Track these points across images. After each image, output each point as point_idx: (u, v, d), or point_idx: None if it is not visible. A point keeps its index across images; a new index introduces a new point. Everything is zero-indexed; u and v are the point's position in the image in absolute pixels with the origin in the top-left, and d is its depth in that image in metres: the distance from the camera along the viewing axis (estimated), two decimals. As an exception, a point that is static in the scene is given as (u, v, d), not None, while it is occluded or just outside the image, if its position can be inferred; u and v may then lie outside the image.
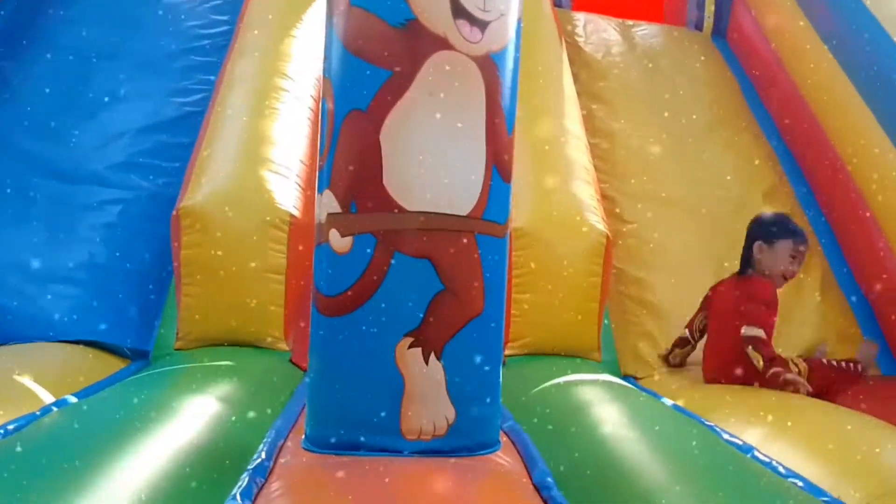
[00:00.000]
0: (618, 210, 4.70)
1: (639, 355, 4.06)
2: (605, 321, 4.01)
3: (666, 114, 5.31)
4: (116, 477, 1.94)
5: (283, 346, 3.65)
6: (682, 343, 4.02)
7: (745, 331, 3.52)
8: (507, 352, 3.74)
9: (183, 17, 5.47)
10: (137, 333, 3.73)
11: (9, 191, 4.25)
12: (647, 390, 3.65)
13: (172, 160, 4.47)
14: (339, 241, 2.26)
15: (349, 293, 2.24)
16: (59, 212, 4.18)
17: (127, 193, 4.31)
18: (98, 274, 3.92)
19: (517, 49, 2.41)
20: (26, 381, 2.91)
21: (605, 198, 4.70)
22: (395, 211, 2.22)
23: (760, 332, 3.51)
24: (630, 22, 6.29)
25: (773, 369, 3.44)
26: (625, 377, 3.88)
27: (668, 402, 3.42)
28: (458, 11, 2.25)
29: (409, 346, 2.22)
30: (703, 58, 5.98)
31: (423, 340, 2.23)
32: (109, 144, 4.56)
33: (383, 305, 2.22)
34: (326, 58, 2.35)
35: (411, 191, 2.22)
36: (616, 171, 4.95)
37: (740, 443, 2.80)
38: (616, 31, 6.11)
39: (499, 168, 2.33)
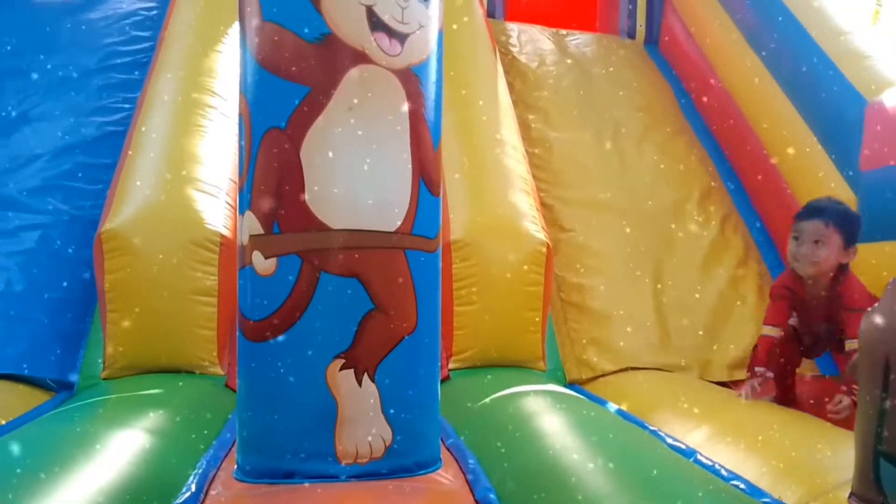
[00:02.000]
0: (557, 218, 4.75)
1: (583, 361, 4.10)
2: (549, 329, 4.03)
3: (600, 121, 5.39)
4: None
5: (218, 370, 3.59)
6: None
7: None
8: (451, 365, 3.74)
9: (101, 33, 5.38)
10: (60, 364, 3.63)
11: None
12: (593, 396, 3.68)
13: (94, 182, 4.39)
14: (263, 264, 2.23)
15: (276, 316, 2.22)
16: (-29, 241, 4.06)
17: (45, 218, 4.22)
18: (16, 303, 3.81)
19: (440, 60, 2.41)
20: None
21: (544, 206, 4.74)
22: (320, 230, 2.20)
23: (769, 331, 3.47)
24: (563, 31, 6.38)
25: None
26: (570, 385, 3.90)
27: (613, 407, 3.46)
28: (376, 24, 2.25)
29: (341, 368, 2.21)
30: (635, 65, 6.10)
31: (354, 361, 2.21)
32: (24, 167, 4.45)
33: (312, 327, 2.20)
34: (241, 75, 2.32)
35: (335, 208, 2.21)
36: (554, 179, 5.00)
37: (683, 447, 2.84)
38: (550, 41, 6.19)
39: (426, 181, 2.33)
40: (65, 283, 3.91)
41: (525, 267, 3.78)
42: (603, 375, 4.05)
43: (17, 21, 5.31)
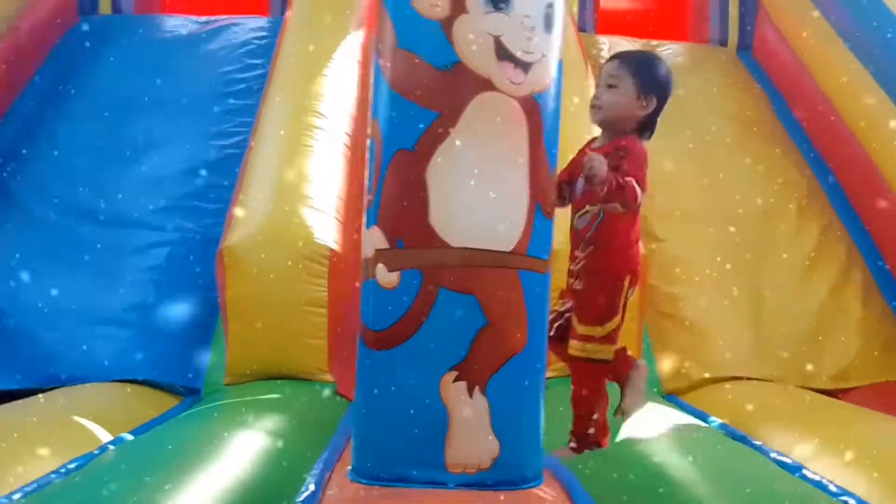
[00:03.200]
0: (648, 228, 4.62)
1: (679, 372, 3.99)
2: (644, 340, 3.95)
3: (690, 131, 5.24)
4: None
5: (328, 377, 3.64)
6: None
7: None
8: (547, 374, 3.69)
9: (219, 62, 5.54)
10: (188, 371, 3.75)
11: (58, 236, 4.32)
12: (691, 407, 3.59)
13: (215, 202, 4.51)
14: (386, 277, 2.25)
15: (395, 327, 2.23)
16: (109, 257, 4.23)
17: (172, 235, 4.36)
18: (148, 315, 3.95)
19: (559, 88, 2.41)
20: (84, 421, 2.93)
21: (639, 216, 4.65)
22: (440, 247, 2.21)
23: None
24: (654, 42, 6.23)
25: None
26: (666, 395, 3.81)
27: (715, 421, 3.35)
28: (502, 54, 2.25)
29: (454, 380, 2.20)
30: (727, 73, 5.91)
31: (467, 374, 2.20)
32: (152, 189, 4.61)
33: (428, 340, 2.20)
34: (374, 99, 2.36)
35: (456, 227, 2.21)
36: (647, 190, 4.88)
37: (789, 461, 2.73)
38: (640, 53, 6.06)
39: (542, 204, 2.32)
40: (191, 297, 4.04)
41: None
42: (699, 386, 3.95)
43: (144, 55, 5.51)
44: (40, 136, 4.88)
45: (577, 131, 4.43)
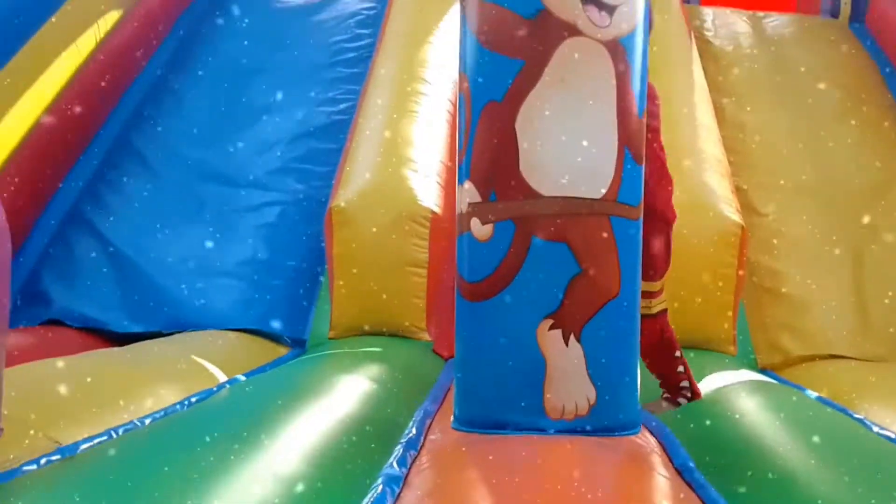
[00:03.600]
0: (751, 202, 4.52)
1: (776, 347, 3.89)
2: (741, 313, 3.88)
3: (797, 103, 5.08)
4: (286, 440, 2.05)
5: (426, 336, 3.74)
6: None
7: None
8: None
9: (329, 31, 5.69)
10: (295, 323, 3.91)
11: (182, 194, 4.55)
12: (788, 382, 3.52)
13: (323, 164, 4.64)
14: (480, 229, 2.28)
15: (491, 278, 2.24)
16: (225, 213, 4.42)
17: (284, 196, 4.51)
18: (260, 269, 4.12)
19: (646, 32, 2.35)
20: (203, 361, 3.11)
21: (738, 190, 4.55)
22: (532, 197, 2.23)
23: None
24: (761, 14, 6.06)
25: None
26: (762, 370, 3.75)
27: (812, 394, 3.28)
28: (588, -1, 2.23)
29: (549, 328, 2.21)
30: (837, 45, 5.67)
31: (562, 322, 2.21)
32: (266, 151, 4.78)
33: (523, 289, 2.21)
34: (461, 53, 2.34)
35: (547, 177, 2.20)
36: (748, 162, 4.77)
37: (892, 434, 2.65)
38: (746, 24, 5.90)
39: (631, 150, 2.27)
40: (299, 254, 4.21)
41: (718, 249, 3.66)
42: (797, 363, 3.86)
43: (261, 24, 5.68)
44: (167, 100, 5.12)
45: (681, 102, 4.42)
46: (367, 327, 3.75)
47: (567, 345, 2.23)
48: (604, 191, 2.24)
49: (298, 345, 3.81)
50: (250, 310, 3.90)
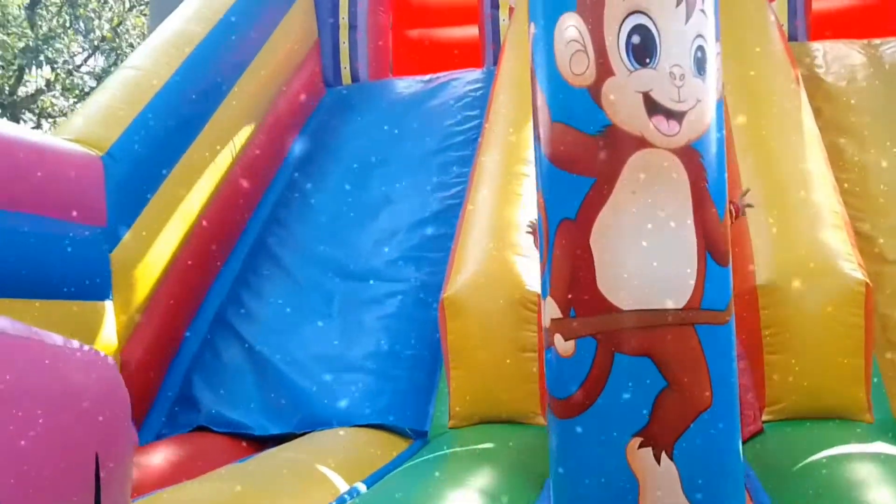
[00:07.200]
0: (878, 249, 4.12)
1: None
2: (876, 376, 3.50)
3: (926, 137, 4.62)
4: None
5: (542, 420, 3.60)
6: None
7: None
8: (764, 417, 3.38)
9: (440, 117, 5.73)
10: (416, 414, 3.87)
11: (312, 292, 4.65)
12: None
13: (438, 251, 4.64)
14: (563, 345, 2.18)
15: (577, 395, 2.14)
16: (351, 307, 4.49)
17: (402, 286, 4.53)
18: (382, 362, 4.13)
19: (720, 127, 2.23)
20: (325, 469, 3.11)
21: (862, 237, 4.15)
22: (611, 312, 2.11)
23: None
24: (877, 41, 5.55)
25: None
26: (901, 440, 3.35)
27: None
28: (653, 108, 2.12)
29: (639, 446, 2.07)
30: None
31: (652, 439, 2.07)
32: (386, 242, 4.84)
33: (609, 406, 2.10)
34: (537, 172, 2.32)
35: (624, 291, 2.10)
36: (872, 206, 4.36)
37: None
38: (860, 54, 5.43)
39: (713, 254, 2.14)
40: (418, 343, 4.18)
41: (841, 310, 3.32)
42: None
43: (380, 117, 5.83)
44: (297, 201, 5.30)
45: (782, 151, 4.10)
46: (484, 415, 3.66)
47: (659, 463, 2.06)
48: (685, 299, 2.11)
49: (420, 436, 3.77)
50: (374, 403, 3.91)
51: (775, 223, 3.71)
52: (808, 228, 3.65)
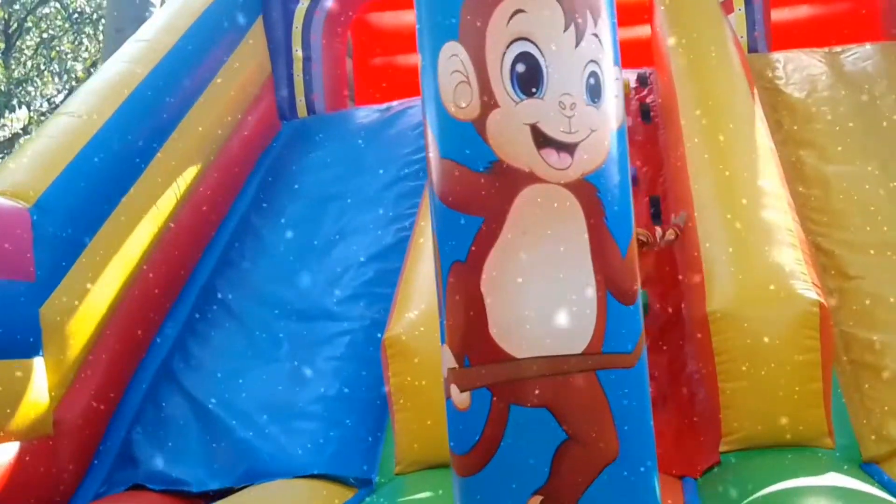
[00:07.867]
0: (840, 265, 3.95)
1: (882, 435, 3.28)
2: (836, 398, 3.33)
3: (887, 148, 4.45)
4: None
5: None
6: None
7: None
8: (721, 448, 3.23)
9: (396, 146, 5.61)
10: (365, 460, 3.71)
11: (260, 334, 4.51)
12: (893, 481, 2.95)
13: (390, 286, 4.48)
14: (459, 397, 2.04)
15: (475, 451, 2.00)
16: (300, 349, 4.33)
17: (353, 324, 4.38)
18: (330, 406, 3.96)
19: (623, 158, 2.10)
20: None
21: (823, 252, 4.00)
22: (505, 360, 1.97)
23: None
24: (838, 48, 5.41)
25: None
26: (866, 464, 3.18)
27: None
28: (542, 141, 1.99)
29: (540, 505, 1.94)
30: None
31: (553, 497, 1.92)
32: (339, 279, 4.70)
33: (507, 462, 1.96)
34: (431, 212, 2.20)
35: (518, 337, 1.96)
36: (835, 221, 4.19)
37: None
38: (822, 63, 5.29)
39: (615, 293, 2.00)
40: (369, 385, 4.03)
41: (795, 333, 3.17)
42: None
43: (335, 149, 5.71)
44: (249, 240, 5.17)
45: (743, 166, 3.96)
46: (432, 460, 3.49)
47: (562, 522, 1.91)
48: (584, 344, 1.95)
49: (365, 485, 3.60)
50: (321, 452, 3.75)
51: (728, 244, 3.56)
52: (761, 249, 3.49)
